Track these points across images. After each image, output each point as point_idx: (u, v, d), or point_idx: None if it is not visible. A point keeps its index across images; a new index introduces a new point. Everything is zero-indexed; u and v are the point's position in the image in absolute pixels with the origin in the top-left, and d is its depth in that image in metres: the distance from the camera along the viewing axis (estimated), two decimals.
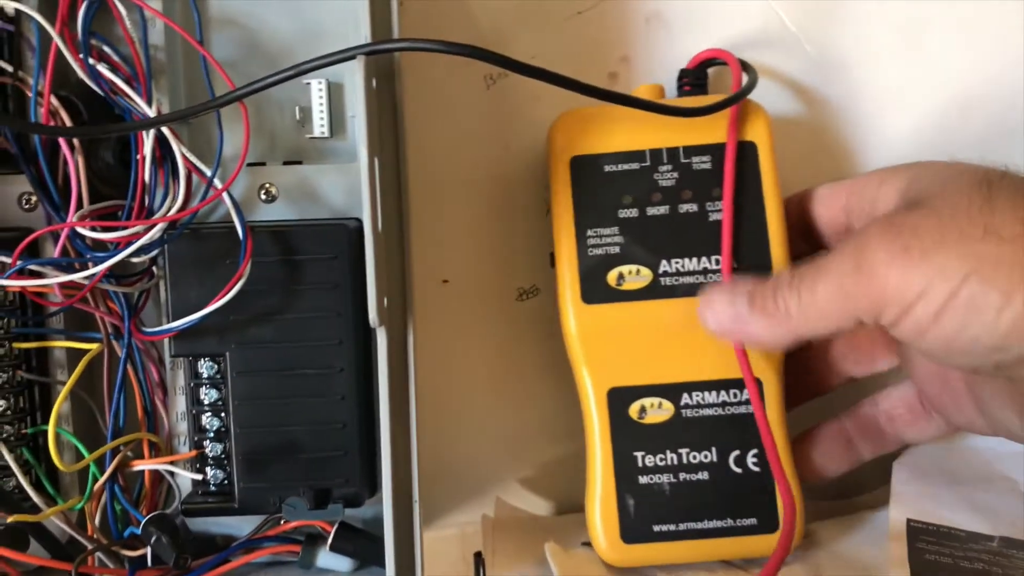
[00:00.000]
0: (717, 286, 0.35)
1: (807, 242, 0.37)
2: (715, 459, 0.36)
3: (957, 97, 0.41)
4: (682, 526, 0.36)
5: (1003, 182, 0.29)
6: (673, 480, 0.36)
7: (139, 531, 0.35)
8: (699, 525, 0.36)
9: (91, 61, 0.34)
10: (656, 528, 0.36)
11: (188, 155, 0.34)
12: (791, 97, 0.41)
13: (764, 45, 0.41)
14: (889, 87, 0.41)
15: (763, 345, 0.34)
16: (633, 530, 0.36)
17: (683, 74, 0.40)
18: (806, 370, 0.39)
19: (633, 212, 0.37)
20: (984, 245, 0.27)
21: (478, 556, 0.38)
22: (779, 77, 0.41)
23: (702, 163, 0.37)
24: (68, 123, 0.34)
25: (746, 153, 0.36)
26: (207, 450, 0.37)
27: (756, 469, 0.36)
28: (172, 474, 0.38)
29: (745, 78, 0.38)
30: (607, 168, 0.37)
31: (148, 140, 0.34)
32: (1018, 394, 0.32)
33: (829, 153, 0.42)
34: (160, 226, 0.34)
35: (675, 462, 0.36)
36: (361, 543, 0.37)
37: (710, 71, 0.40)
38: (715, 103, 0.36)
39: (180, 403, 0.38)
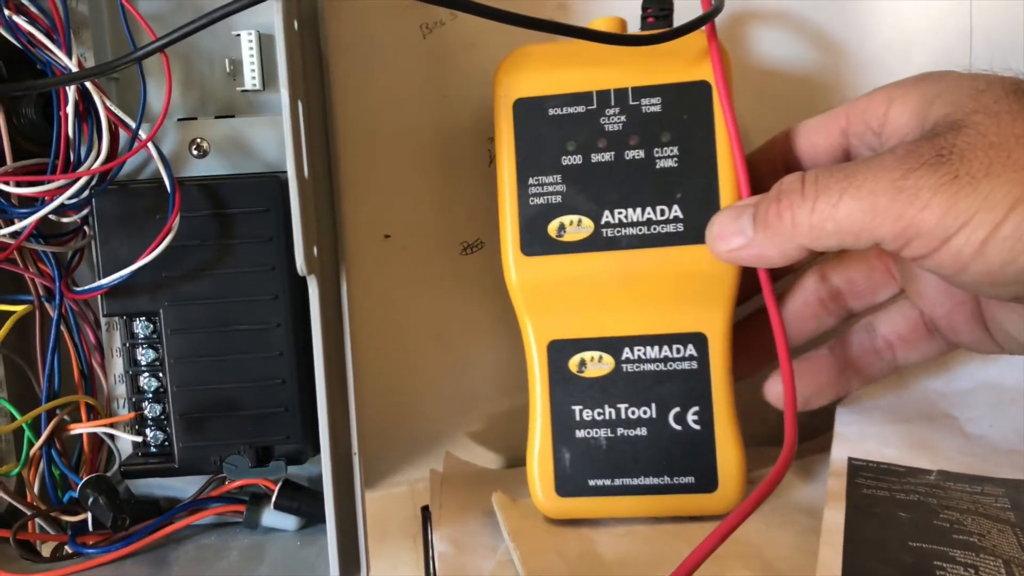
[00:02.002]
0: (717, 215, 0.33)
1: None
2: (654, 415, 0.35)
3: (896, 41, 0.41)
4: (617, 481, 0.35)
5: None
6: (610, 435, 0.36)
7: (77, 494, 0.35)
8: (634, 481, 0.35)
9: (7, 13, 0.33)
10: (591, 482, 0.36)
11: (113, 108, 0.33)
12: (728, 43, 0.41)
13: None
14: (830, 33, 0.41)
15: (769, 261, 0.32)
16: (568, 483, 0.36)
17: (647, 4, 0.37)
18: (802, 312, 0.37)
19: (577, 159, 0.35)
20: None
21: (425, 510, 0.38)
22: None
23: (651, 105, 0.35)
24: None
25: (699, 93, 0.35)
26: (146, 411, 0.36)
27: (696, 427, 0.35)
28: (112, 437, 0.37)
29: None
30: (551, 111, 0.35)
31: (70, 95, 0.33)
32: None
33: (773, 98, 0.41)
34: (86, 181, 0.33)
35: (613, 417, 0.36)
36: (306, 501, 0.37)
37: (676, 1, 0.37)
38: (669, 31, 0.34)
39: (118, 365, 0.37)
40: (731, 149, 0.34)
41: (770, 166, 0.35)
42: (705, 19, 0.34)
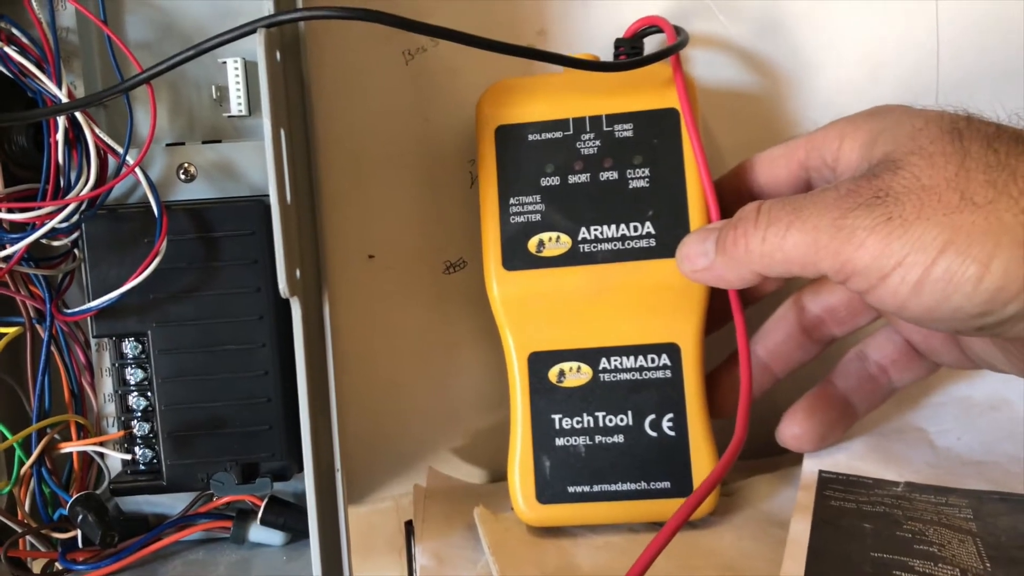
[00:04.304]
0: (687, 237, 0.34)
1: None
2: (630, 423, 0.36)
3: (866, 61, 0.42)
4: (596, 488, 0.36)
5: (971, 131, 0.28)
6: (589, 443, 0.37)
7: (67, 512, 0.36)
8: (613, 487, 0.36)
9: None
10: (571, 489, 0.36)
11: (101, 135, 0.34)
12: (706, 66, 0.42)
13: (679, 16, 0.41)
14: (800, 54, 0.42)
15: (729, 284, 0.33)
16: (548, 490, 0.37)
17: (619, 43, 0.39)
18: (787, 343, 0.38)
19: (555, 180, 0.37)
20: (960, 215, 0.26)
21: (408, 524, 0.39)
22: (693, 46, 0.41)
23: (624, 131, 0.37)
24: None
25: (667, 120, 0.37)
26: (135, 430, 0.37)
27: (671, 434, 0.36)
28: (101, 455, 0.38)
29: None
30: (531, 137, 0.37)
31: (60, 124, 0.34)
32: (1001, 342, 0.32)
33: (746, 121, 0.43)
34: (76, 206, 0.34)
35: (591, 425, 0.37)
36: (291, 516, 0.37)
37: (647, 40, 0.40)
38: (638, 59, 0.36)
39: (107, 384, 0.38)
40: (698, 170, 0.36)
41: (736, 193, 0.37)
42: (671, 51, 0.36)
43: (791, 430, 0.37)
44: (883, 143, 0.30)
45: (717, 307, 0.36)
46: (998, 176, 0.27)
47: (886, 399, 0.38)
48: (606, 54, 0.40)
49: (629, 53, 0.39)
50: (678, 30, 0.38)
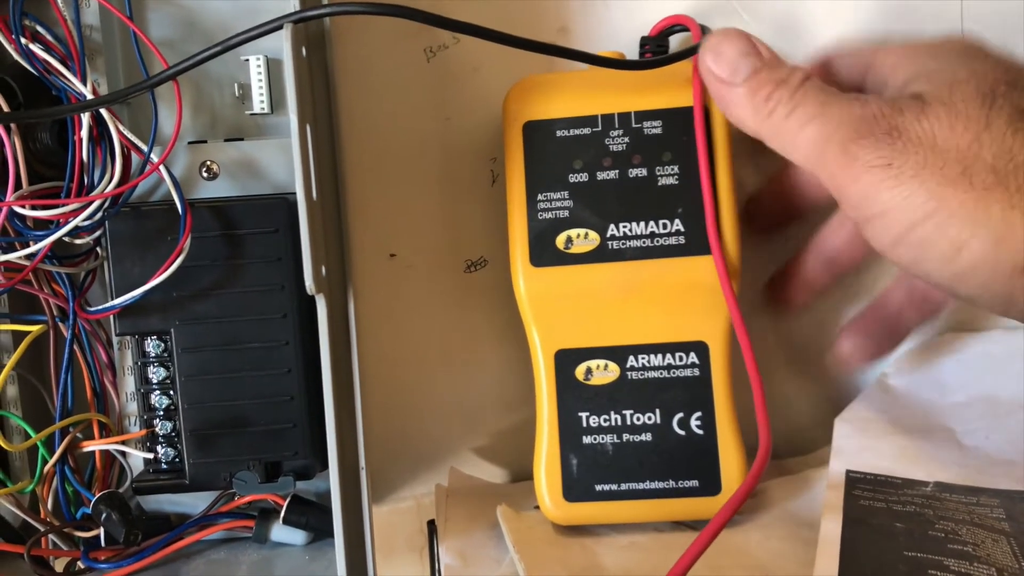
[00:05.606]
0: (734, 35, 0.32)
1: None
2: (658, 421, 0.36)
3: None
4: (624, 486, 0.36)
5: (1003, 101, 0.28)
6: (616, 441, 0.36)
7: (90, 510, 0.36)
8: (640, 486, 0.36)
9: (24, 42, 0.34)
10: (598, 487, 0.36)
11: (125, 133, 0.34)
12: None
13: (702, 14, 0.41)
14: (822, 37, 0.41)
15: (728, 114, 0.33)
16: (575, 489, 0.36)
17: (644, 41, 0.39)
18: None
19: (583, 177, 0.37)
20: (953, 189, 0.26)
21: (431, 524, 0.39)
22: None
23: (653, 128, 0.37)
24: (3, 106, 0.34)
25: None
26: (157, 428, 0.37)
27: (700, 432, 0.36)
28: (123, 454, 0.38)
29: None
30: (559, 133, 0.37)
31: (84, 121, 0.34)
32: None
33: None
34: (99, 203, 0.34)
35: (619, 423, 0.36)
36: (314, 515, 0.37)
37: (672, 39, 0.40)
38: (665, 56, 0.36)
39: (130, 383, 0.38)
40: (728, 168, 0.36)
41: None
42: (694, 50, 0.36)
43: (845, 345, 0.38)
44: (923, 83, 0.29)
45: (766, 212, 0.38)
46: (1004, 164, 0.27)
47: (937, 313, 0.38)
48: (629, 51, 0.40)
49: (654, 51, 0.39)
50: (704, 29, 0.38)
